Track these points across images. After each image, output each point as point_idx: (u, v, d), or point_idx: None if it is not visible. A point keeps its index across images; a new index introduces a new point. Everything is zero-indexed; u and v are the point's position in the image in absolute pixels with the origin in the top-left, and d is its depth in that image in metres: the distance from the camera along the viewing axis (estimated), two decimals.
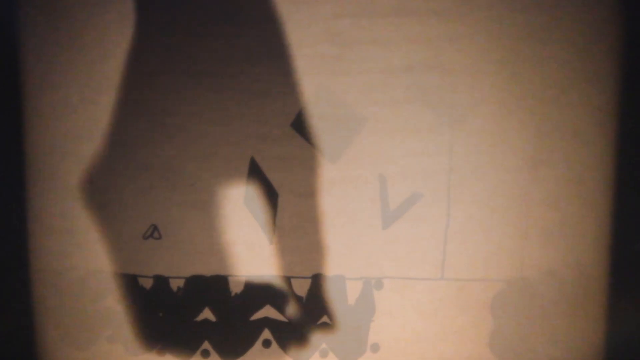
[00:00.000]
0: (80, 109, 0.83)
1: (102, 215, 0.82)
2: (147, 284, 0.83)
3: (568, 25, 0.81)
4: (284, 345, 0.83)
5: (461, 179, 0.82)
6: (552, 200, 0.82)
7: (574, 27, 0.81)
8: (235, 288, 0.83)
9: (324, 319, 0.83)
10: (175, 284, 0.83)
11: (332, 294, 0.83)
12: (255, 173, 0.80)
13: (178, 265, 0.83)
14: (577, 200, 0.83)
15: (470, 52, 0.80)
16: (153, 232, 0.81)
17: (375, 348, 0.83)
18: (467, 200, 0.82)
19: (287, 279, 0.82)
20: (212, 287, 0.83)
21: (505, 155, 0.81)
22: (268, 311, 0.83)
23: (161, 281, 0.83)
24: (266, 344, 0.83)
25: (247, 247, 0.82)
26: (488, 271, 0.83)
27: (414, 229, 0.82)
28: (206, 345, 0.84)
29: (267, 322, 0.83)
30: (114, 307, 0.84)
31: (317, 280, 0.82)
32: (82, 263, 0.85)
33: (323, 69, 0.80)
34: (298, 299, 0.83)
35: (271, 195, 0.81)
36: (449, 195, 0.82)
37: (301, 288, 0.83)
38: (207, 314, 0.83)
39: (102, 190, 0.82)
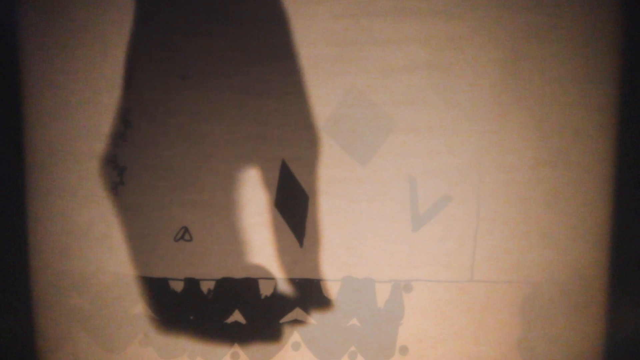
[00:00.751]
0: (80, 109, 0.83)
1: (132, 218, 0.82)
2: (178, 286, 0.83)
3: (568, 25, 0.81)
4: (313, 347, 0.83)
5: (461, 179, 0.82)
6: (552, 200, 0.82)
7: (574, 27, 0.81)
8: (266, 290, 0.83)
9: (353, 321, 0.83)
10: (206, 287, 0.83)
11: (361, 296, 0.83)
12: (286, 176, 0.80)
13: (209, 268, 0.82)
14: (577, 200, 0.83)
15: (470, 52, 0.80)
16: (184, 235, 0.81)
17: (404, 350, 0.83)
18: (467, 200, 0.82)
19: (317, 282, 0.82)
20: (242, 290, 0.82)
21: (505, 155, 0.81)
22: (298, 314, 0.83)
23: (192, 284, 0.82)
24: (295, 346, 0.83)
25: (278, 249, 0.82)
26: (489, 273, 0.83)
27: (444, 231, 0.82)
28: (236, 347, 0.84)
29: (296, 324, 0.83)
30: (145, 310, 0.83)
31: (346, 283, 0.82)
32: (82, 263, 0.85)
33: (323, 69, 0.80)
34: (328, 301, 0.83)
35: (301, 198, 0.81)
36: (460, 196, 0.82)
37: (331, 291, 0.83)
38: (237, 316, 0.83)
39: (131, 192, 0.82)
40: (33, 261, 0.88)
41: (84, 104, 0.83)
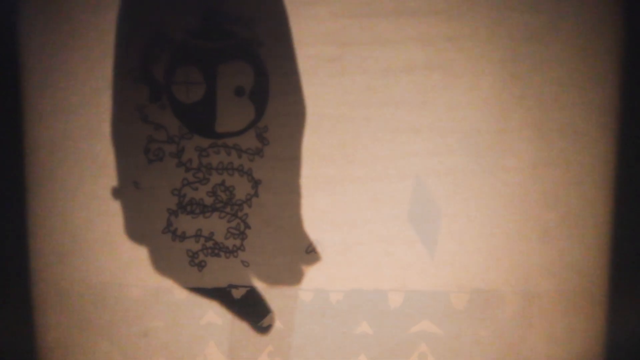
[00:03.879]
0: (80, 109, 0.83)
1: (265, 230, 0.82)
2: (307, 297, 0.83)
3: (568, 25, 0.81)
4: (440, 359, 0.83)
5: (461, 180, 0.82)
6: (552, 200, 0.82)
7: (574, 27, 0.81)
8: (394, 302, 0.82)
9: (482, 332, 0.83)
10: (335, 297, 0.83)
11: (490, 308, 0.82)
12: (419, 189, 0.80)
13: (338, 279, 0.82)
14: (577, 200, 0.83)
15: (470, 52, 0.80)
16: (316, 246, 0.82)
17: None
18: (465, 200, 0.82)
19: (446, 294, 0.82)
20: (371, 301, 0.82)
21: (505, 155, 0.81)
22: (425, 325, 0.83)
23: (321, 294, 0.83)
24: (422, 357, 0.83)
25: (408, 261, 0.82)
26: (488, 274, 0.83)
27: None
28: (362, 358, 0.83)
29: (424, 335, 0.83)
30: (274, 324, 0.84)
31: (475, 295, 0.82)
32: (82, 263, 0.85)
33: (323, 69, 0.80)
34: (456, 313, 0.82)
35: (433, 211, 0.81)
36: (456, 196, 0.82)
37: (460, 302, 0.82)
38: (364, 327, 0.83)
39: (265, 205, 0.82)
40: (33, 261, 0.88)
41: (84, 104, 0.83)
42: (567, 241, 0.83)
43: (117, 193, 0.82)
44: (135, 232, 0.83)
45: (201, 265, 0.83)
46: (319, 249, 0.82)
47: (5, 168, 0.87)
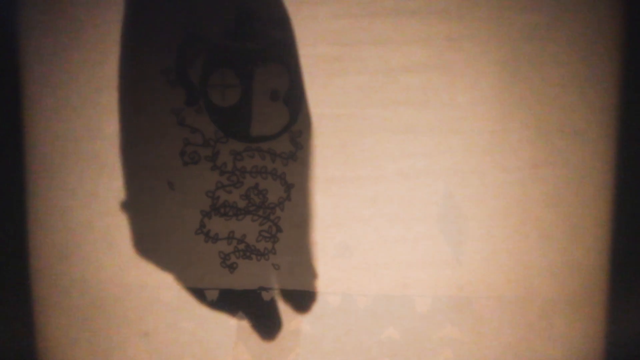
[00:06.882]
0: (80, 109, 0.83)
1: (295, 233, 0.82)
2: (334, 301, 0.83)
3: (568, 25, 0.81)
4: None
5: (461, 179, 0.82)
6: (552, 200, 0.83)
7: (574, 27, 0.81)
8: (421, 307, 0.82)
9: (507, 338, 0.83)
10: (362, 302, 0.83)
11: (513, 315, 0.83)
12: (447, 194, 0.80)
13: (365, 283, 0.82)
14: (577, 200, 0.83)
15: (470, 52, 0.80)
16: (344, 251, 0.82)
17: None
18: (465, 201, 0.82)
19: (471, 300, 0.82)
20: (397, 306, 0.82)
21: (505, 155, 0.81)
22: (451, 331, 0.83)
23: (349, 298, 0.83)
24: None
25: (435, 266, 0.82)
26: (488, 275, 0.83)
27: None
28: None
29: (449, 341, 0.83)
30: (301, 327, 0.84)
31: (501, 301, 0.82)
32: (83, 262, 0.85)
33: (323, 69, 0.80)
34: (481, 319, 0.82)
35: (460, 215, 0.81)
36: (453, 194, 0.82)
37: (485, 308, 0.82)
38: (391, 332, 0.83)
39: (296, 208, 0.82)
40: (33, 261, 0.88)
41: (84, 104, 0.83)
42: (567, 241, 0.83)
43: (152, 194, 0.82)
44: (168, 232, 0.83)
45: (233, 267, 0.83)
46: (348, 253, 0.82)
47: (6, 168, 0.87)
